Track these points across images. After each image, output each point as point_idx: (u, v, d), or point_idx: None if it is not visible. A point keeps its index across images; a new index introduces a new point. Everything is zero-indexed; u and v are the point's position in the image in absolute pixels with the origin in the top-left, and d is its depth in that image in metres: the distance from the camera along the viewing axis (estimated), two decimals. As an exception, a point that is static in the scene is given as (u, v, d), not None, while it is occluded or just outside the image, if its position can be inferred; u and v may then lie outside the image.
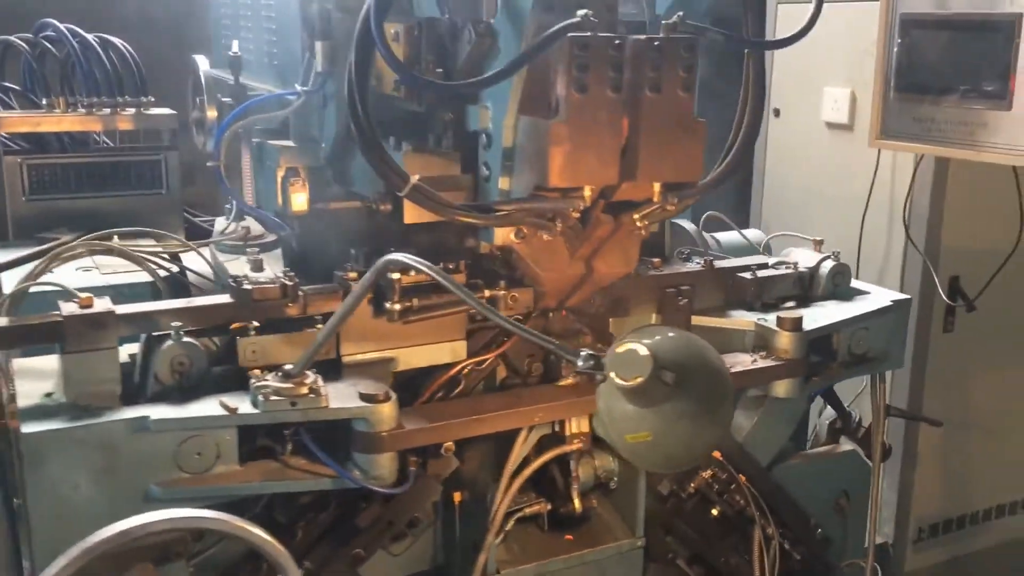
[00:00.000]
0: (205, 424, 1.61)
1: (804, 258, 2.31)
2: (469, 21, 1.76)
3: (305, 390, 1.64)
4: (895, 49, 2.21)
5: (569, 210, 1.75)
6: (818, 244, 2.36)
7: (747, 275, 2.20)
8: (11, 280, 2.00)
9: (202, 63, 2.22)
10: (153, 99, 2.53)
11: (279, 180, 2.05)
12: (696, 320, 2.10)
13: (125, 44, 2.52)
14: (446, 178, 1.87)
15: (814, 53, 3.16)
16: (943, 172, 3.03)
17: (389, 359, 1.86)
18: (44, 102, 2.43)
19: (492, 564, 1.96)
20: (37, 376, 1.73)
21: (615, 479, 2.10)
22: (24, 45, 2.51)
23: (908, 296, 2.33)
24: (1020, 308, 3.29)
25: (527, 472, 1.91)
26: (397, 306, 1.77)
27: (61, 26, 2.46)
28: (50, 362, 1.77)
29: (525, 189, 1.76)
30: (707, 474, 2.21)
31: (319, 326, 1.78)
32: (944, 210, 3.07)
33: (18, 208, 2.41)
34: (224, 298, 1.77)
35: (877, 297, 2.33)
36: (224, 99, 2.22)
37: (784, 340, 2.04)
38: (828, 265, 2.29)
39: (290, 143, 2.08)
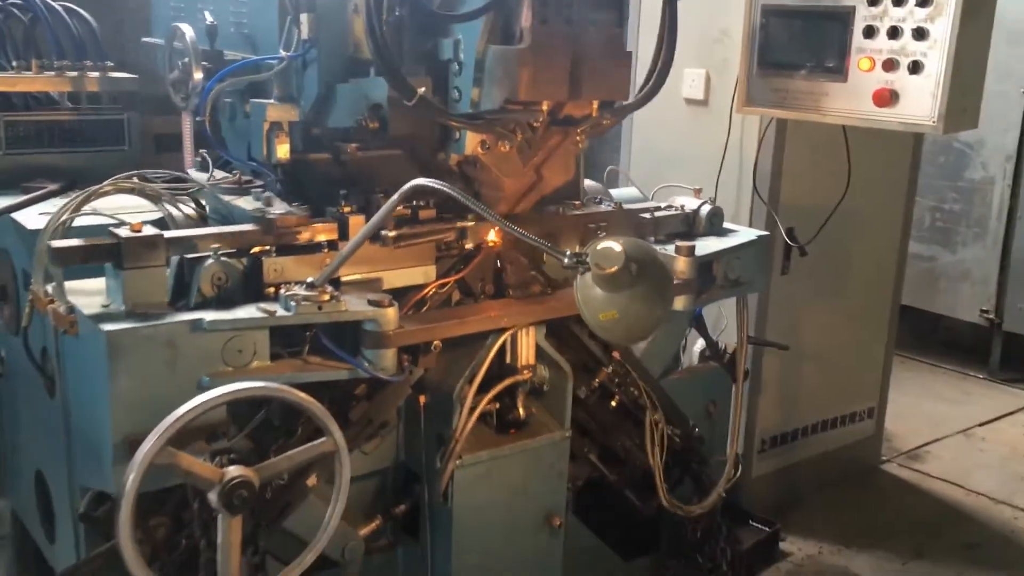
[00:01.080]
0: (248, 324, 1.96)
1: (687, 203, 2.85)
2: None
3: (327, 297, 2.01)
4: (757, 33, 2.77)
5: (530, 120, 2.20)
6: (697, 192, 2.90)
7: (647, 215, 2.71)
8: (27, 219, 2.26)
9: (187, 31, 2.50)
10: (112, 64, 2.78)
11: (264, 133, 2.39)
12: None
13: (85, 12, 2.76)
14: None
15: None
16: (782, 139, 3.67)
17: (377, 279, 2.25)
18: (14, 64, 2.65)
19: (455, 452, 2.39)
20: (83, 294, 2.02)
21: (547, 385, 2.57)
22: (-5, 11, 2.71)
23: (768, 233, 2.92)
24: (842, 254, 3.99)
25: (493, 393, 2.36)
26: (392, 233, 2.17)
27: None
28: (88, 284, 2.06)
29: (493, 105, 2.18)
30: (609, 370, 2.72)
31: (325, 249, 2.15)
32: (782, 172, 3.72)
33: (-1, 161, 2.63)
34: (248, 226, 2.11)
35: (744, 234, 2.90)
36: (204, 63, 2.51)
37: (681, 263, 2.56)
38: (707, 208, 2.84)
39: (272, 101, 2.41)
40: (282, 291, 2.02)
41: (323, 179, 2.40)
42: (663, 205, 2.83)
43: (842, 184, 3.55)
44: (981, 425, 5.12)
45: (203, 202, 2.42)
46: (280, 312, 1.99)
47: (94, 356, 1.88)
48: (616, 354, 2.72)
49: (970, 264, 5.74)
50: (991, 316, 5.69)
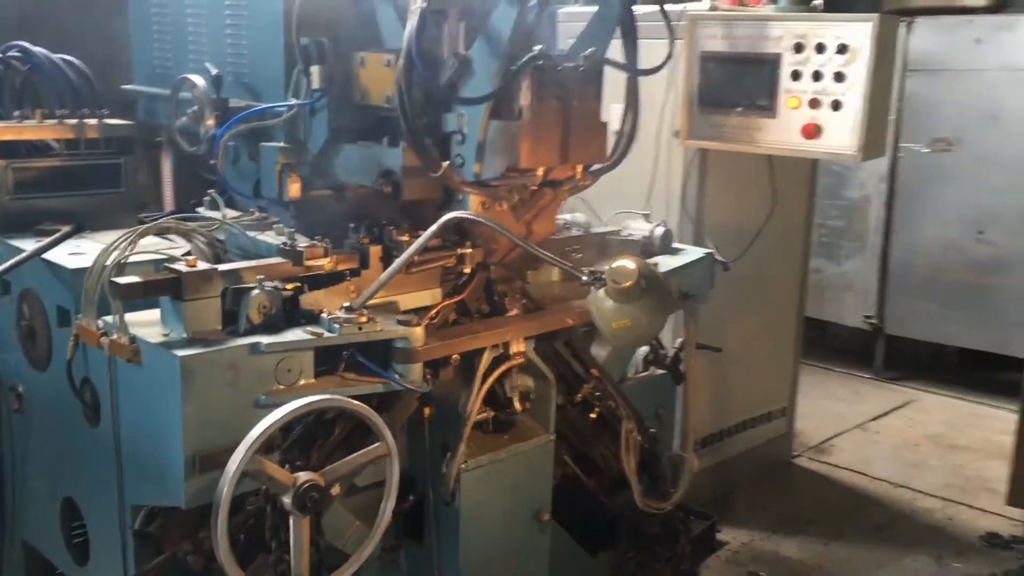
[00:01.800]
0: (299, 347, 2.18)
1: (642, 227, 3.20)
2: (452, 53, 2.46)
3: (365, 319, 2.26)
4: (697, 77, 3.16)
5: (526, 185, 2.50)
6: (647, 217, 3.26)
7: (613, 238, 3.05)
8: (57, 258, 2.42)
9: (198, 81, 2.70)
10: (108, 111, 2.95)
11: (276, 173, 2.61)
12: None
13: (81, 63, 2.92)
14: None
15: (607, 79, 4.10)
16: (704, 169, 4.07)
17: (393, 302, 2.50)
18: (16, 113, 2.78)
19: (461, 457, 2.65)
20: (134, 325, 2.20)
21: (532, 395, 2.86)
22: (-2, 63, 2.84)
23: (712, 250, 3.29)
24: (754, 269, 4.42)
25: (490, 381, 2.63)
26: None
27: (33, 48, 2.81)
28: (132, 317, 2.23)
29: (494, 172, 2.48)
30: (589, 386, 3.04)
31: (348, 278, 2.40)
32: (705, 197, 4.12)
33: (5, 206, 2.74)
34: (279, 259, 2.33)
35: (692, 252, 3.27)
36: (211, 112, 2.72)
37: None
38: (660, 230, 3.19)
39: (283, 144, 2.63)
40: (323, 315, 2.25)
41: (328, 214, 2.64)
42: (620, 228, 3.18)
43: (753, 207, 3.99)
44: (874, 420, 5.68)
45: (221, 238, 2.61)
46: (326, 334, 2.22)
47: (163, 380, 2.07)
48: (595, 371, 3.04)
49: (853, 275, 6.34)
50: (874, 321, 6.29)
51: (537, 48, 2.40)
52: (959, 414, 5.82)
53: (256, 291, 2.22)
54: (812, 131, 2.98)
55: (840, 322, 6.48)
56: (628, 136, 2.71)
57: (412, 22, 2.32)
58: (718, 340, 4.32)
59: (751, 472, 4.70)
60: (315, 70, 2.56)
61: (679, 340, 3.50)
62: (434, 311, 2.58)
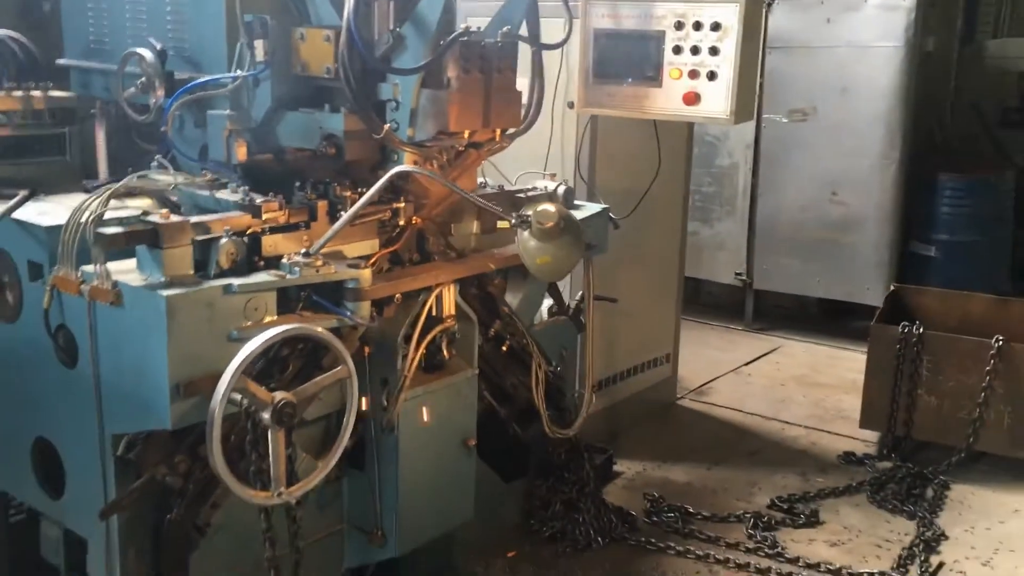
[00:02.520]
0: (266, 287, 2.49)
1: (548, 185, 3.60)
2: (386, 30, 2.78)
3: (320, 263, 2.58)
4: (591, 51, 3.57)
5: (453, 146, 2.86)
6: (552, 176, 3.66)
7: (522, 195, 3.44)
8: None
9: (146, 55, 2.93)
10: (52, 83, 3.15)
11: (224, 139, 2.89)
12: (500, 224, 3.29)
13: (26, 39, 3.10)
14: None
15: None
16: (595, 136, 4.50)
17: (338, 251, 2.81)
18: (-34, 86, 2.97)
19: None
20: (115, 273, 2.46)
21: (458, 334, 3.23)
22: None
23: (607, 205, 3.72)
24: (640, 229, 4.87)
25: (429, 338, 2.99)
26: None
27: (-15, 26, 3.00)
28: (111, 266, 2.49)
29: (426, 135, 2.82)
30: (500, 324, 3.42)
31: (302, 228, 2.71)
32: (596, 161, 4.55)
33: (-41, 173, 2.93)
34: (239, 213, 2.62)
35: (590, 208, 3.69)
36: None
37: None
38: (563, 188, 3.60)
39: (229, 112, 2.90)
40: (284, 260, 2.56)
41: (270, 175, 2.93)
42: (529, 187, 3.57)
43: (638, 171, 4.44)
44: (746, 364, 6.27)
45: (174, 198, 2.87)
46: (288, 276, 2.53)
47: (148, 319, 2.35)
48: (505, 309, 3.43)
49: (724, 236, 6.93)
50: (744, 278, 6.90)
51: (463, 26, 2.75)
52: (819, 357, 6.49)
53: (224, 239, 2.51)
54: (692, 98, 3.43)
55: (714, 279, 7.07)
56: (536, 103, 3.10)
57: (350, 3, 2.63)
58: (610, 293, 4.79)
59: (640, 413, 5.19)
60: (259, 44, 2.84)
61: (580, 293, 3.93)
62: (373, 259, 2.91)
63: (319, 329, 2.43)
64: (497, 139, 2.99)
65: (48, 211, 2.77)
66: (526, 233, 2.69)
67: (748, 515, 4.21)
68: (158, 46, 2.98)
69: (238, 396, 2.32)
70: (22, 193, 2.87)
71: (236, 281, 2.45)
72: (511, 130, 3.02)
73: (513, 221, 2.69)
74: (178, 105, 2.91)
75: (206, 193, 2.78)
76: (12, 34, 3.12)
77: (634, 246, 4.89)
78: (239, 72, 2.88)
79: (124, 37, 3.21)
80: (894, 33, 6.18)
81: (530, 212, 2.69)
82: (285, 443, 2.40)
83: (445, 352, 3.12)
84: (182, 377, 2.36)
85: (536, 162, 4.35)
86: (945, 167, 6.72)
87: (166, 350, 2.33)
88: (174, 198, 2.88)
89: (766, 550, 3.95)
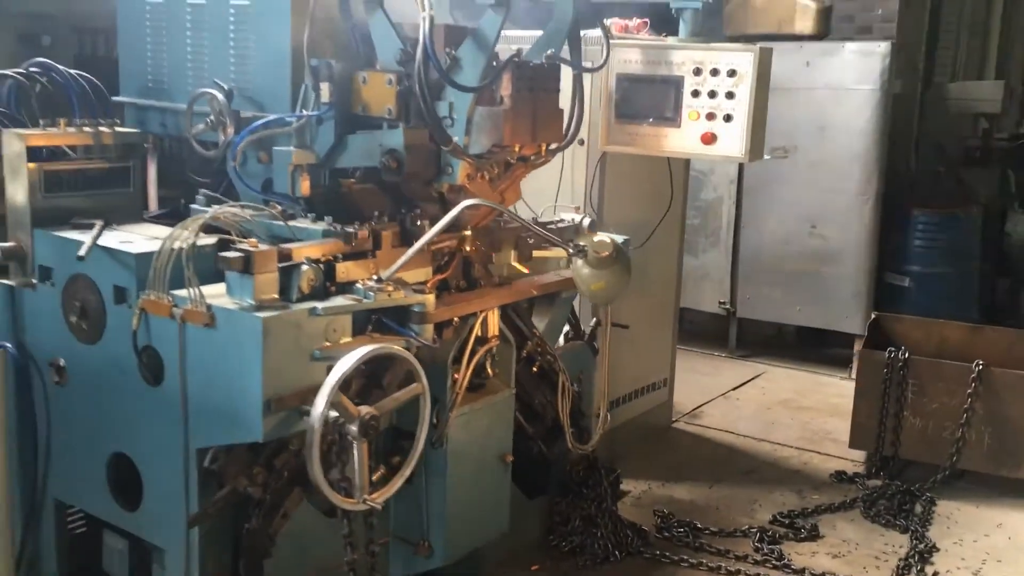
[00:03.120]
0: (345, 310, 2.70)
1: (574, 217, 3.85)
2: (444, 50, 3.01)
3: (392, 288, 2.79)
4: (614, 93, 3.84)
5: (505, 159, 3.11)
6: (576, 209, 3.91)
7: (552, 226, 3.68)
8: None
9: (217, 95, 3.13)
10: (118, 120, 3.34)
11: (289, 173, 3.10)
12: (536, 253, 3.53)
13: (94, 78, 3.29)
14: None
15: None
16: (603, 173, 4.77)
17: (398, 277, 3.03)
18: (42, 122, 3.14)
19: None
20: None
21: (497, 356, 3.45)
22: (20, 77, 3.15)
23: (628, 237, 3.97)
24: (641, 260, 5.14)
25: (478, 356, 3.21)
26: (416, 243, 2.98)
27: (58, 65, 3.17)
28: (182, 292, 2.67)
29: (481, 148, 3.05)
30: (532, 343, 3.65)
31: (369, 256, 2.92)
32: (605, 196, 4.82)
33: (37, 203, 3.08)
34: (329, 241, 2.83)
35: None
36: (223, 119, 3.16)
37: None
38: (587, 220, 3.85)
39: (294, 148, 3.11)
40: (359, 285, 2.77)
41: (331, 206, 3.14)
42: (557, 218, 3.82)
43: (643, 204, 4.72)
44: (733, 389, 6.56)
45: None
46: (364, 300, 2.74)
47: (242, 339, 2.54)
48: (536, 332, 3.66)
49: (709, 267, 7.23)
50: (727, 306, 7.21)
51: (515, 48, 3.02)
52: (801, 382, 6.79)
53: (305, 266, 2.71)
54: (709, 138, 3.71)
55: (698, 308, 7.36)
56: (577, 120, 3.35)
57: (424, 26, 2.87)
58: (615, 320, 5.05)
59: (639, 435, 5.43)
60: (324, 86, 3.06)
61: (594, 319, 4.18)
62: (428, 285, 3.13)
63: (401, 349, 2.64)
64: (543, 153, 3.24)
65: (129, 239, 2.96)
66: (580, 261, 2.94)
67: (753, 530, 4.46)
68: (226, 87, 3.18)
69: (330, 410, 2.51)
70: (99, 223, 3.05)
71: (320, 304, 2.66)
72: (554, 145, 3.27)
73: (571, 250, 2.94)
74: (245, 142, 3.11)
75: (280, 223, 2.97)
76: (81, 73, 3.30)
77: (635, 276, 5.13)
78: (304, 111, 3.10)
79: (184, 77, 3.42)
80: (870, 77, 6.57)
81: (585, 242, 2.94)
82: (368, 454, 2.60)
83: (490, 371, 3.34)
84: (272, 393, 2.56)
85: (546, 195, 4.61)
86: (915, 202, 7.11)
87: (260, 368, 2.53)
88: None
89: (773, 562, 4.20)
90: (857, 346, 6.86)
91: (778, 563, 4.18)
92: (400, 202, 3.24)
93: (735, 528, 4.49)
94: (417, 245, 2.87)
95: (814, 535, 4.49)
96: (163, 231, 3.12)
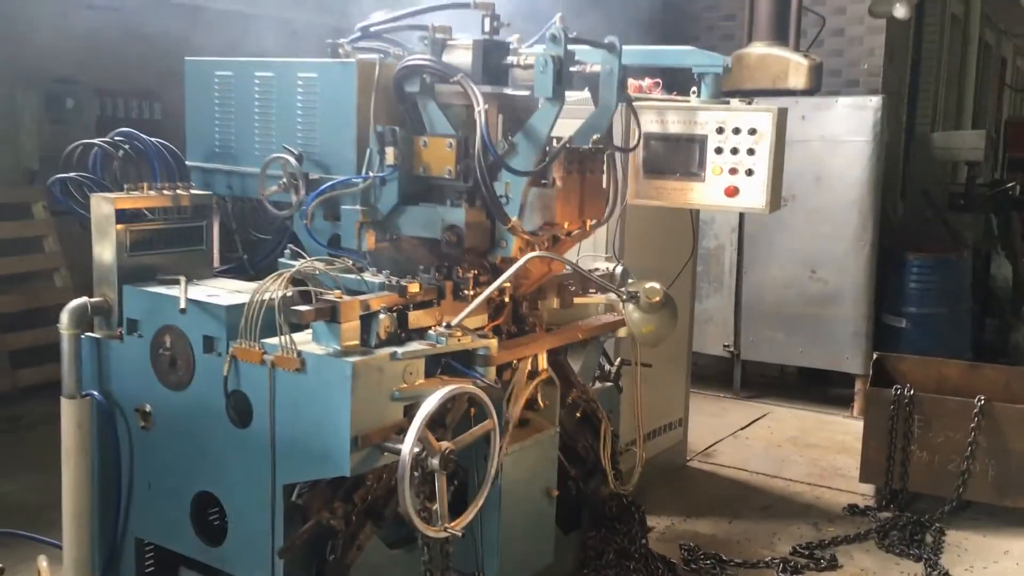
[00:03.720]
0: (420, 354, 2.95)
1: (608, 265, 4.12)
2: (502, 138, 3.30)
3: (460, 333, 3.05)
4: (641, 151, 4.13)
5: (554, 234, 3.38)
6: (609, 259, 4.19)
7: (591, 275, 3.96)
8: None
9: (290, 159, 3.40)
10: (193, 183, 3.60)
11: (356, 230, 3.37)
12: (576, 300, 3.80)
13: (170, 144, 3.57)
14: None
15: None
16: (623, 223, 5.07)
17: (460, 325, 3.29)
18: (126, 186, 3.40)
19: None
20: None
21: (542, 399, 3.70)
22: (107, 146, 3.43)
23: (659, 284, 4.25)
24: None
25: (530, 388, 3.46)
26: (472, 292, 3.24)
27: (140, 134, 3.45)
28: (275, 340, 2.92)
29: (534, 226, 3.34)
30: (576, 393, 3.91)
31: (434, 305, 3.18)
32: (625, 245, 5.11)
33: (123, 261, 3.33)
34: (389, 293, 3.09)
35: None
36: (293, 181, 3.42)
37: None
38: (619, 268, 4.13)
39: (360, 207, 3.38)
40: (431, 331, 3.03)
41: (393, 260, 3.41)
42: (594, 267, 4.09)
43: (661, 252, 5.01)
44: (742, 429, 6.81)
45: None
46: (436, 345, 2.99)
47: (331, 382, 2.79)
48: (579, 378, 3.92)
49: (713, 311, 7.53)
50: (731, 349, 7.49)
51: (567, 137, 3.31)
52: (806, 421, 7.06)
53: (383, 315, 2.97)
54: (732, 192, 3.99)
55: (703, 351, 7.63)
56: (617, 198, 3.64)
57: (481, 119, 3.16)
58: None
59: (657, 473, 5.64)
60: (389, 150, 3.34)
61: (618, 359, 4.45)
62: (485, 330, 3.39)
63: (476, 389, 2.89)
64: (587, 228, 3.52)
65: (213, 292, 3.21)
66: (631, 306, 3.22)
67: (776, 560, 4.69)
68: (295, 151, 3.46)
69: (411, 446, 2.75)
70: (183, 279, 3.29)
71: (399, 349, 2.91)
72: (595, 220, 3.55)
73: (623, 296, 3.22)
74: (316, 201, 3.38)
75: (353, 276, 3.22)
76: (163, 141, 3.56)
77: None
78: (370, 173, 3.37)
79: (251, 143, 3.68)
80: (863, 129, 6.94)
81: (636, 289, 3.22)
82: (447, 485, 2.84)
83: (541, 403, 3.58)
84: (359, 431, 2.80)
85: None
86: (909, 247, 7.45)
87: (349, 408, 2.77)
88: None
89: (798, 590, 4.43)
90: (858, 385, 7.16)
91: (802, 591, 4.41)
92: (448, 259, 3.50)
93: (758, 560, 4.72)
94: (484, 294, 3.13)
95: (833, 564, 4.72)
96: (238, 284, 3.40)
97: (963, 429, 5.25)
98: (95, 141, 3.49)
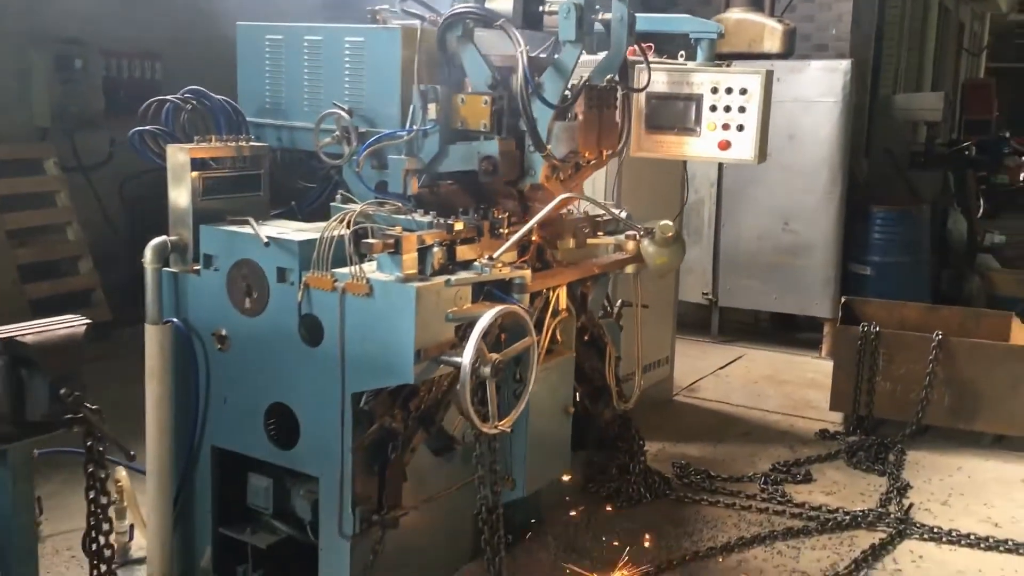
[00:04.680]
0: (469, 281, 3.44)
1: (615, 211, 4.62)
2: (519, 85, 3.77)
3: (501, 265, 3.54)
4: (644, 109, 4.63)
5: (576, 161, 3.89)
6: (612, 205, 4.69)
7: (599, 219, 4.46)
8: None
9: (343, 114, 3.85)
10: (253, 136, 4.04)
11: (402, 177, 3.83)
12: (589, 241, 4.30)
13: (232, 100, 4.00)
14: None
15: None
16: (621, 174, 5.57)
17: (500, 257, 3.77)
18: (196, 138, 3.83)
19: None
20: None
21: (560, 334, 4.21)
22: (179, 102, 3.85)
23: (653, 227, 4.76)
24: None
25: (556, 322, 3.97)
26: (507, 230, 3.73)
27: (211, 93, 3.88)
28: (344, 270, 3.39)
29: (560, 154, 3.82)
30: (584, 319, 4.43)
31: (476, 240, 3.66)
32: (622, 193, 5.61)
33: (197, 205, 3.78)
34: (439, 230, 3.56)
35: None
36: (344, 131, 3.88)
37: (631, 244, 4.33)
38: (624, 213, 4.62)
39: (406, 156, 3.84)
40: (476, 263, 3.52)
41: (433, 202, 3.89)
42: (601, 212, 4.59)
43: (654, 201, 5.53)
44: (721, 368, 7.40)
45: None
46: (482, 274, 3.49)
47: (399, 305, 3.26)
48: (589, 308, 4.44)
49: (692, 262, 8.05)
50: (710, 296, 8.06)
51: (585, 75, 3.81)
52: (779, 362, 7.67)
53: (436, 248, 3.45)
54: (725, 145, 4.50)
55: (684, 299, 8.16)
56: (627, 132, 4.14)
57: (524, 59, 3.63)
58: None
59: (647, 405, 6.17)
60: (432, 106, 3.79)
61: (619, 300, 4.98)
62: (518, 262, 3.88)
63: (520, 309, 3.39)
64: (603, 158, 4.04)
65: (280, 231, 3.66)
66: (647, 240, 3.73)
67: (758, 475, 5.28)
68: (346, 108, 3.90)
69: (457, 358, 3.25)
70: (252, 219, 3.74)
71: (452, 277, 3.40)
72: (610, 151, 4.07)
73: (642, 232, 3.73)
74: (367, 151, 3.84)
75: (405, 217, 3.68)
76: (227, 99, 3.99)
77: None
78: (414, 127, 3.83)
79: (300, 100, 4.12)
80: (833, 91, 7.49)
81: (653, 226, 3.73)
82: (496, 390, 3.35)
83: (559, 337, 4.10)
84: (421, 345, 3.29)
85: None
86: (873, 201, 8.04)
87: (414, 325, 3.25)
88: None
89: (778, 499, 5.02)
90: (827, 328, 7.78)
91: (782, 500, 5.00)
92: (480, 199, 3.98)
93: (742, 475, 5.31)
94: (523, 230, 3.62)
95: (808, 479, 5.33)
96: (296, 225, 3.85)
97: (922, 361, 5.86)
98: (168, 97, 3.90)
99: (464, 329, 3.43)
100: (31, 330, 2.79)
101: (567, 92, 3.77)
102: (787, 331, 8.29)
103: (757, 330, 8.36)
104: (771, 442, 5.90)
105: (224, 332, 3.75)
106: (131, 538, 4.35)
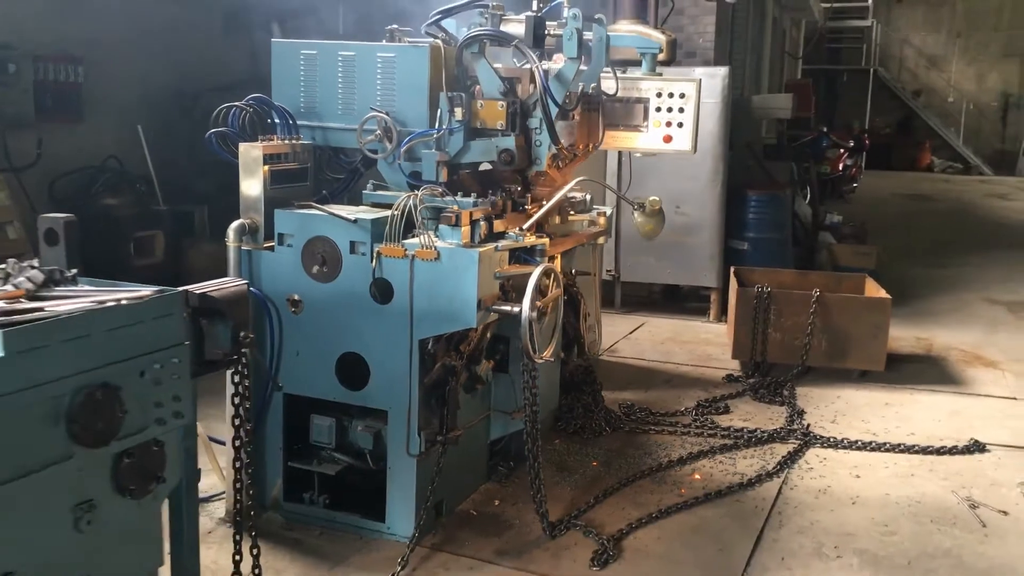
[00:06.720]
0: (510, 247, 4.39)
1: (581, 194, 5.65)
2: (539, 92, 4.75)
3: (528, 235, 4.50)
4: (603, 108, 5.68)
5: (573, 151, 4.90)
6: (580, 190, 5.72)
7: (572, 200, 5.47)
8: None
9: (385, 116, 4.68)
10: (302, 136, 4.83)
11: (436, 167, 4.72)
12: (571, 216, 5.31)
13: (284, 106, 4.76)
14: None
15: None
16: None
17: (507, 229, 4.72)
18: (260, 137, 4.59)
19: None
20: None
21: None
22: (244, 107, 4.58)
23: (657, 197, 5.82)
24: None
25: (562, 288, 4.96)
26: (530, 207, 4.69)
27: (269, 99, 4.62)
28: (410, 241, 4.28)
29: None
30: (566, 278, 5.45)
31: (505, 216, 4.60)
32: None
33: (268, 193, 4.54)
34: (483, 207, 4.48)
35: (608, 207, 5.79)
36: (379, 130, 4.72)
37: (602, 220, 5.37)
38: (588, 196, 5.66)
39: (437, 151, 4.74)
40: (510, 232, 4.46)
41: (459, 187, 4.81)
42: (573, 195, 5.60)
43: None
44: (631, 333, 8.57)
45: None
46: (518, 242, 4.44)
47: (463, 266, 4.17)
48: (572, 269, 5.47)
49: (597, 242, 9.21)
50: (613, 272, 9.23)
51: (581, 85, 4.83)
52: (676, 327, 8.91)
53: (482, 222, 4.38)
54: (668, 139, 5.59)
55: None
56: (602, 131, 5.18)
57: (539, 72, 4.60)
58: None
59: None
60: (458, 110, 4.71)
61: (572, 268, 6.03)
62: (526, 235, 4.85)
63: (552, 266, 4.37)
64: (589, 150, 5.06)
65: (349, 212, 4.49)
66: (637, 211, 4.79)
67: (688, 410, 6.45)
68: (383, 111, 4.76)
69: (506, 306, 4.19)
70: (314, 204, 4.55)
71: (499, 244, 4.34)
72: (594, 144, 5.11)
73: (635, 205, 4.79)
74: (406, 147, 4.71)
75: (451, 198, 4.56)
76: (283, 106, 4.75)
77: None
78: (442, 127, 4.73)
79: (335, 105, 4.93)
80: (714, 93, 8.78)
81: (643, 200, 4.79)
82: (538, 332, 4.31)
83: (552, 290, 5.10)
84: (480, 296, 4.21)
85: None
86: (748, 187, 9.42)
87: (476, 282, 4.18)
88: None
89: (709, 426, 6.19)
90: (713, 296, 9.08)
91: (712, 426, 6.18)
92: (487, 185, 4.92)
93: (675, 411, 6.46)
94: (548, 205, 4.61)
95: (727, 410, 6.54)
96: (346, 208, 4.68)
97: (804, 314, 7.19)
98: (237, 104, 4.64)
99: (506, 284, 4.38)
100: (208, 288, 3.52)
101: (566, 98, 4.78)
102: (675, 301, 9.57)
103: (651, 301, 9.60)
104: (689, 387, 7.08)
105: (297, 297, 4.54)
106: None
